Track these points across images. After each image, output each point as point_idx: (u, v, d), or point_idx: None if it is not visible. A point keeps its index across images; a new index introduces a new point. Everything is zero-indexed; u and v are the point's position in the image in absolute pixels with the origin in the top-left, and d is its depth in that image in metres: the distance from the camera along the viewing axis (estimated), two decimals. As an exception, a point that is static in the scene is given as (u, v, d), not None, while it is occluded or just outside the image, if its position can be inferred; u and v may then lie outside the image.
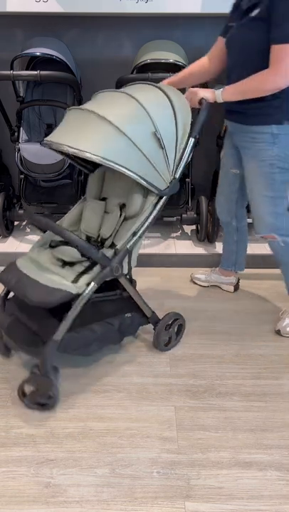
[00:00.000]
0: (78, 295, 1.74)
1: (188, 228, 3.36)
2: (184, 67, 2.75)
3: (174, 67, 2.73)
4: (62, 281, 1.75)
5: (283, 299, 2.57)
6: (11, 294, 1.98)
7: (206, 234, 3.06)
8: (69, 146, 1.66)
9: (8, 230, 3.21)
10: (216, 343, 2.22)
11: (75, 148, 1.65)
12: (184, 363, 2.08)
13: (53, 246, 1.97)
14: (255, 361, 2.11)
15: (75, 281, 1.78)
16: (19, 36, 3.26)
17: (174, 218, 3.11)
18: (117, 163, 1.67)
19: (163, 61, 2.78)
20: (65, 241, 1.90)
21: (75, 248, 1.81)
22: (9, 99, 3.05)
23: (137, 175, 1.73)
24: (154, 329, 2.09)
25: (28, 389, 1.78)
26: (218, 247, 3.03)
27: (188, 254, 3.01)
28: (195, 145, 3.08)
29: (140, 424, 1.75)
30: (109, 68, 3.12)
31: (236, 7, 1.99)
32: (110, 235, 1.98)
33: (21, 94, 3.11)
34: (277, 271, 2.96)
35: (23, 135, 3.10)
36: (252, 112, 1.92)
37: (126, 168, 1.69)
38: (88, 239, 2.06)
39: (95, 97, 1.88)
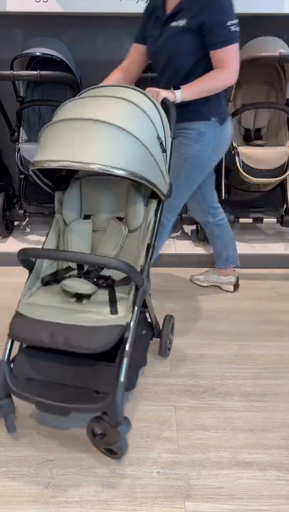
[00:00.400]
0: (128, 325, 1.55)
1: (188, 228, 3.36)
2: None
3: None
4: (105, 316, 1.54)
5: (284, 299, 2.58)
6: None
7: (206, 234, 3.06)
8: (78, 162, 1.44)
9: (8, 230, 3.21)
10: (216, 343, 2.22)
11: (86, 163, 1.44)
12: (183, 363, 2.08)
13: (46, 283, 1.74)
14: (255, 361, 2.11)
15: (114, 312, 1.57)
16: (19, 36, 3.26)
17: (174, 218, 3.11)
18: (139, 176, 1.50)
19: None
20: (55, 273, 1.77)
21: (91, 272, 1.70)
22: (9, 99, 3.06)
23: (154, 185, 1.60)
24: (151, 338, 2.03)
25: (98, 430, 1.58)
26: (218, 247, 3.03)
27: (188, 254, 3.01)
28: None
29: (140, 424, 1.74)
30: (109, 68, 3.10)
31: (150, 14, 2.06)
32: (116, 254, 1.82)
33: (21, 94, 3.11)
34: (278, 271, 2.97)
35: (23, 135, 3.10)
36: (182, 109, 1.95)
37: (148, 181, 1.55)
38: (81, 265, 1.84)
39: (67, 107, 1.64)
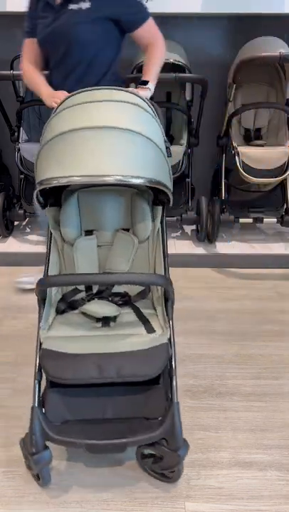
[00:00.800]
0: (170, 341, 1.46)
1: (188, 228, 3.35)
2: (183, 67, 2.75)
3: (174, 67, 2.72)
4: (145, 337, 1.46)
5: (284, 299, 2.57)
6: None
7: (206, 234, 3.06)
8: (91, 175, 1.32)
9: (8, 230, 3.21)
10: (216, 343, 2.22)
11: (101, 176, 1.32)
12: (183, 363, 2.08)
13: (62, 311, 1.63)
14: (255, 361, 2.10)
15: (150, 331, 1.49)
16: (19, 36, 3.24)
17: (174, 218, 3.11)
18: (156, 181, 1.41)
19: (163, 61, 2.78)
20: (64, 298, 1.66)
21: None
22: (9, 99, 3.05)
23: (167, 188, 1.50)
24: None
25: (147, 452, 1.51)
26: (219, 247, 3.03)
27: (188, 254, 3.01)
28: (195, 145, 3.06)
29: (140, 424, 1.74)
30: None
31: (37, 3, 1.97)
32: (129, 268, 1.73)
33: (21, 94, 3.10)
34: (278, 271, 2.97)
35: (23, 135, 3.10)
36: None
37: (162, 184, 1.45)
38: (89, 286, 1.74)
39: (62, 117, 1.47)
